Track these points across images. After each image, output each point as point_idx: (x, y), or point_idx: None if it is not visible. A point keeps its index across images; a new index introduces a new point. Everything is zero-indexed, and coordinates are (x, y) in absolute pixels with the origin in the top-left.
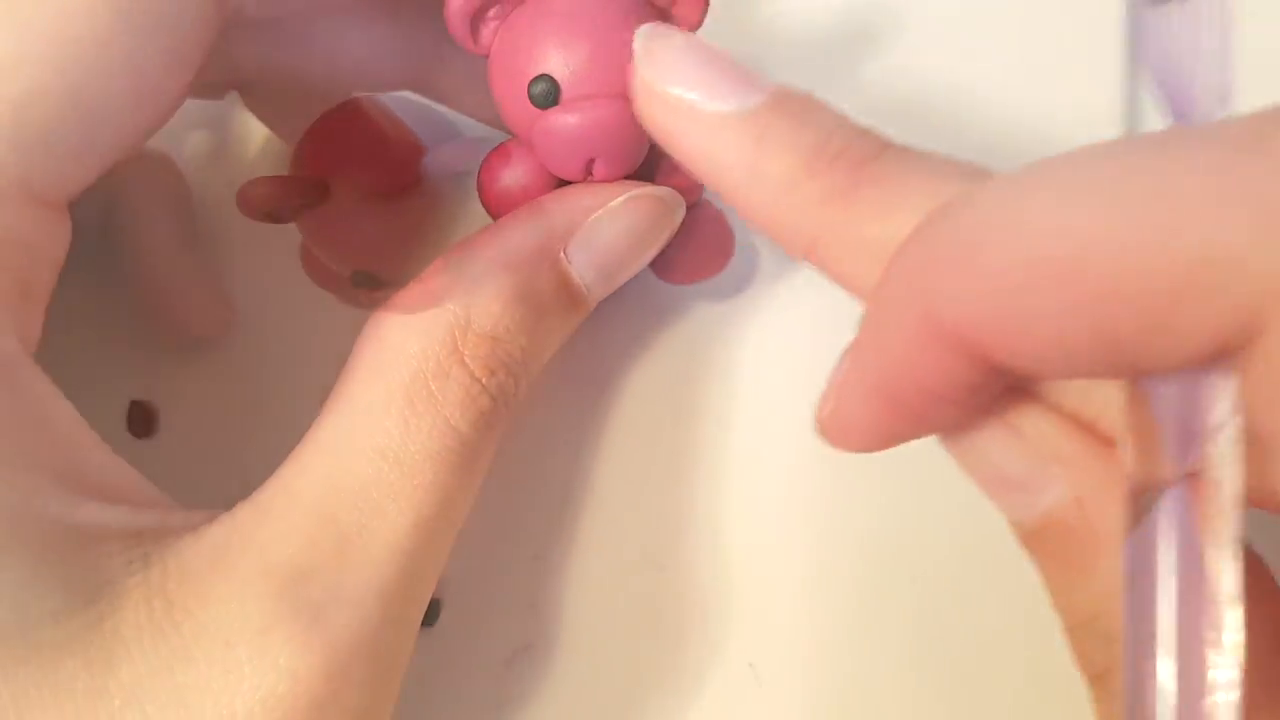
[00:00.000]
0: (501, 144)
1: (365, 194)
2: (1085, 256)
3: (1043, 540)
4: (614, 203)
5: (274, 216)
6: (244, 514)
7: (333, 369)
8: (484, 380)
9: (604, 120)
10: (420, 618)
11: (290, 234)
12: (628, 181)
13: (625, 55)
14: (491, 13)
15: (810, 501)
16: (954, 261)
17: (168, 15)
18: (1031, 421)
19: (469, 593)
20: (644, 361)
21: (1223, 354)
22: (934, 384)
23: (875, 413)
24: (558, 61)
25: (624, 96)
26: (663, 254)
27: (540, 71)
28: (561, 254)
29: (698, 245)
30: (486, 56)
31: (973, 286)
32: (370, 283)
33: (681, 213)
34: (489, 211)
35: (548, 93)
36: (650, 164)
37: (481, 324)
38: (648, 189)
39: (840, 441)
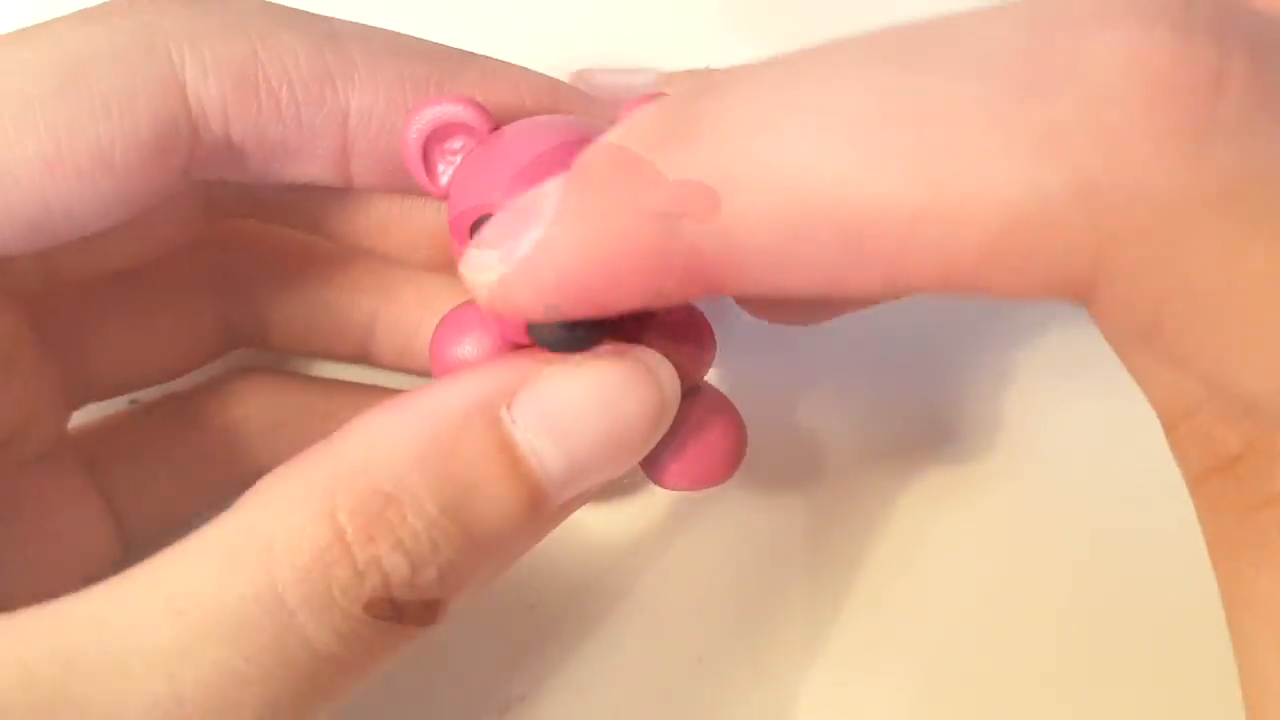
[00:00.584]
0: (458, 307)
1: None
2: (868, 224)
3: None
4: (572, 359)
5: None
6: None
7: (333, 369)
8: (359, 556)
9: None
10: None
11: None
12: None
13: None
14: (454, 145)
15: (808, 533)
16: (701, 196)
17: (119, 102)
18: None
19: (462, 641)
20: None
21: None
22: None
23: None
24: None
25: None
26: (654, 449)
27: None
28: (502, 411)
29: (696, 442)
30: (445, 199)
31: (725, 228)
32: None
33: (676, 390)
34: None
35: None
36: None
37: (372, 479)
38: (618, 347)
39: (522, 298)
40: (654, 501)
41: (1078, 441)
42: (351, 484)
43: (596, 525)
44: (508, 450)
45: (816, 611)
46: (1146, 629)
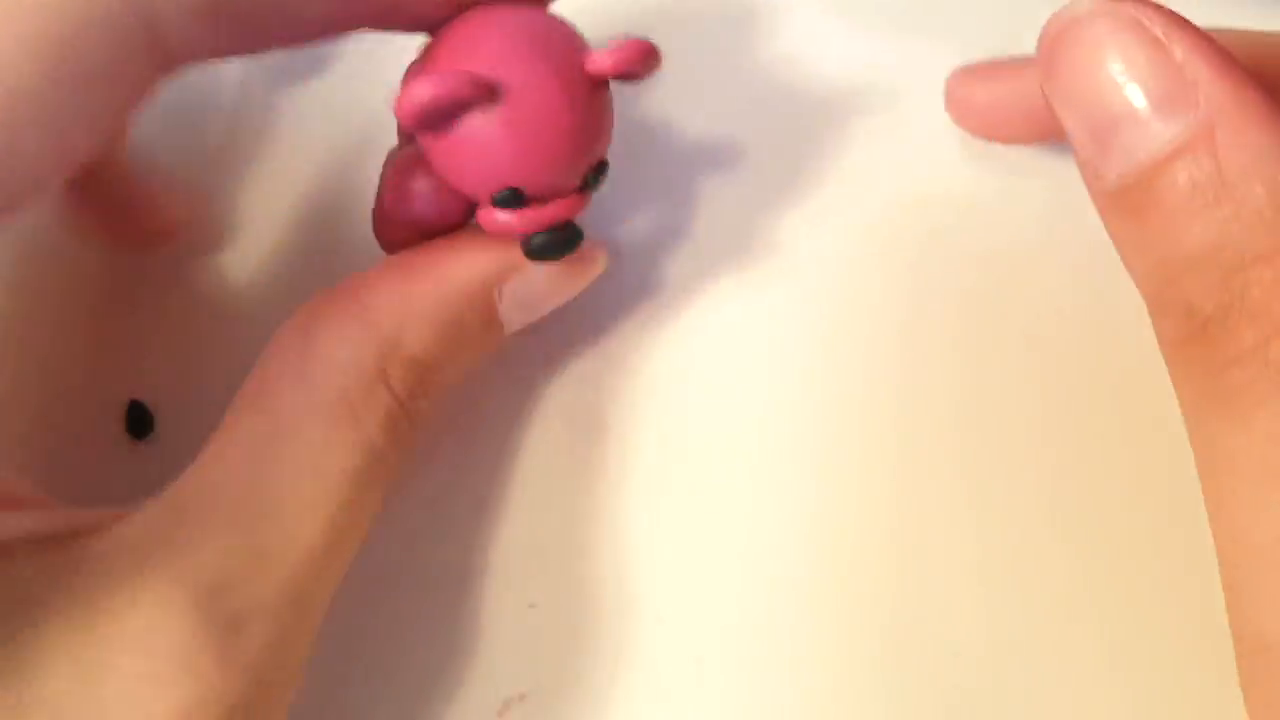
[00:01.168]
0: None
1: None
2: None
3: (1146, 190)
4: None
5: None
6: (159, 514)
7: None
8: (405, 403)
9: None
10: (320, 620)
11: (288, 235)
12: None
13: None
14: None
15: (809, 533)
16: None
17: (94, 70)
18: (1175, 34)
19: (461, 639)
20: (623, 395)
21: None
22: None
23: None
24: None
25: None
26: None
27: (506, 184)
28: (495, 293)
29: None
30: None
31: None
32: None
33: (603, 262)
34: (385, 216)
35: (510, 200)
36: None
37: (411, 349)
38: (589, 248)
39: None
40: (654, 500)
41: None
42: (396, 356)
43: (597, 525)
44: (492, 320)
45: (816, 611)
46: None
